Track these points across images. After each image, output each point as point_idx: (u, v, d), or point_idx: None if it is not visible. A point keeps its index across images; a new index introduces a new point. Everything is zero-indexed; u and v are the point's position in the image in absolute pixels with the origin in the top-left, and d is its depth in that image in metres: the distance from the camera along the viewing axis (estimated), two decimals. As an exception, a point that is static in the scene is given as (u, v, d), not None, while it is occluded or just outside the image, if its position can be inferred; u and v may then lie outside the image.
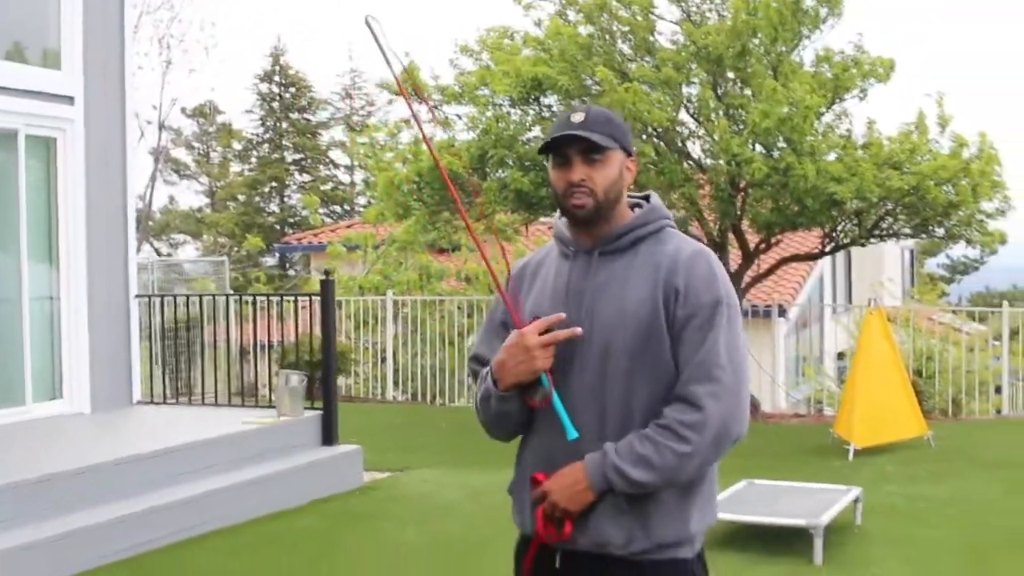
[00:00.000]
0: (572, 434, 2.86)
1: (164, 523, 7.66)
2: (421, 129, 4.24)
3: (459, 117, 14.33)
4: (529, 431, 3.03)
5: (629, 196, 3.05)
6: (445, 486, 9.66)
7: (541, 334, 2.88)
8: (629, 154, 2.99)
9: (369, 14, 2.88)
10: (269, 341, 12.70)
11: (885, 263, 27.83)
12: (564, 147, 2.92)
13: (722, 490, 8.22)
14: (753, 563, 7.13)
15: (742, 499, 8.08)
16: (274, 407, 10.00)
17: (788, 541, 7.40)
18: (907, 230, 13.69)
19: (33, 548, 6.74)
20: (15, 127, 9.68)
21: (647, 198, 3.06)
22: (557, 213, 3.08)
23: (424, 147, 14.38)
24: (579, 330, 2.87)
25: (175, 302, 11.62)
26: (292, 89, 47.18)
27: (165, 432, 9.15)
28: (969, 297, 51.94)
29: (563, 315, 2.90)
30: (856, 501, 8.15)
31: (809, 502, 7.85)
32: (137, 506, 7.61)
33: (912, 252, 35.47)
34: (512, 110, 13.89)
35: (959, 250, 47.19)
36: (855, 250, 26.71)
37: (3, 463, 7.74)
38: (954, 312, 23.16)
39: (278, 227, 45.03)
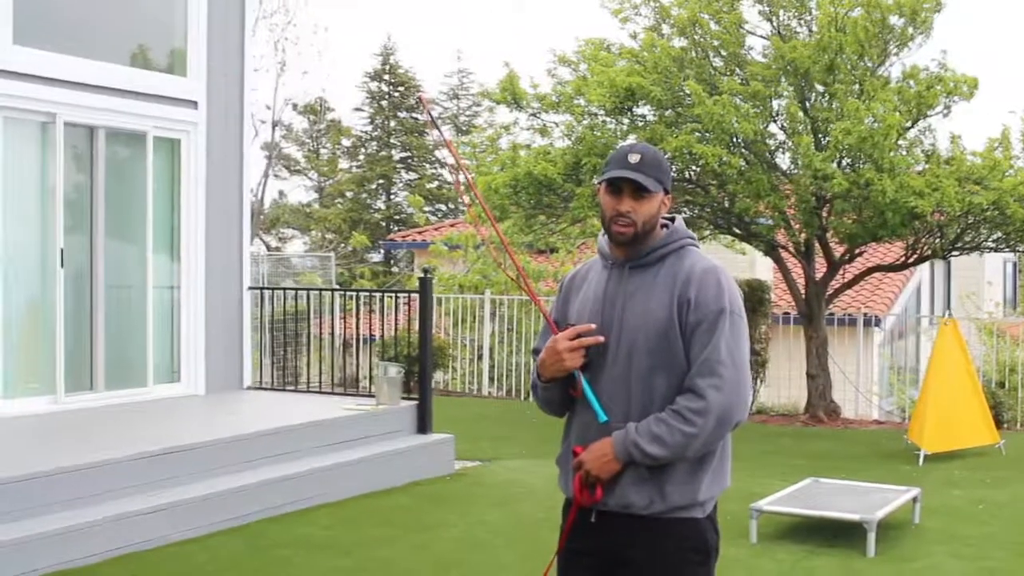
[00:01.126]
0: (602, 417, 3.54)
1: (274, 495, 8.44)
2: (480, 200, 4.87)
3: (556, 125, 15.00)
4: (572, 413, 3.70)
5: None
6: (530, 474, 10.33)
7: (572, 339, 3.55)
8: (667, 192, 3.63)
9: (424, 93, 3.63)
10: (371, 335, 13.45)
11: (985, 275, 27.76)
12: (619, 182, 3.57)
13: (788, 487, 8.80)
14: (810, 554, 7.66)
15: (806, 495, 8.62)
16: (373, 396, 10.75)
17: (845, 535, 7.92)
18: (989, 244, 14.05)
19: (157, 512, 7.55)
20: (145, 129, 10.55)
21: (673, 219, 3.69)
22: (602, 231, 3.73)
23: (521, 152, 15.07)
24: (602, 339, 3.54)
25: (284, 295, 12.39)
26: (401, 88, 48.15)
27: (273, 414, 9.93)
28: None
29: (593, 325, 3.57)
30: (915, 500, 8.64)
31: (868, 500, 8.37)
32: (249, 479, 8.40)
33: (1015, 265, 35.17)
34: (606, 119, 14.51)
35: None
36: (957, 264, 26.88)
37: (129, 437, 8.58)
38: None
39: (384, 224, 46.03)
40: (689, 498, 3.52)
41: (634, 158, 3.55)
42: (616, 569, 3.59)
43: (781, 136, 14.27)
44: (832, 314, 16.57)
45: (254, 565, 7.19)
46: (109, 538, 7.15)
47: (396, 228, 43.73)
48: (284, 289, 13.07)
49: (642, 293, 3.57)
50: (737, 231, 14.97)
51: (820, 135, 13.67)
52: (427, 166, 49.29)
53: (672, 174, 3.67)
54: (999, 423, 13.32)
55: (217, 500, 8.04)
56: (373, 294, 13.00)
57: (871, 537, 7.61)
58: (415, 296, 10.98)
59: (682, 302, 3.50)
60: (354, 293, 13.17)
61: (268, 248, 42.21)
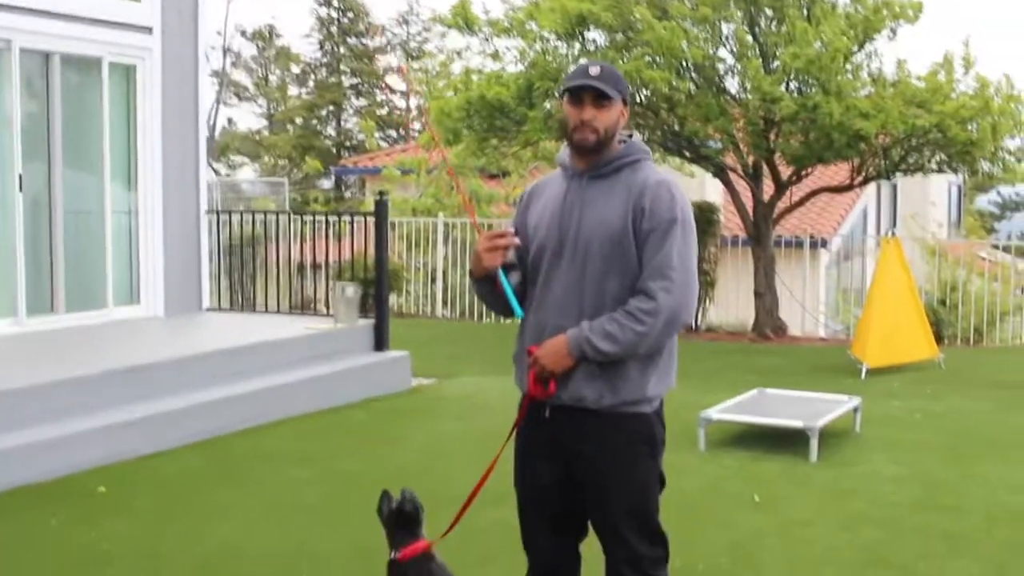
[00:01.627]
0: (518, 313, 3.85)
1: (237, 411, 8.69)
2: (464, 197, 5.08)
3: (508, 50, 15.15)
4: (526, 313, 3.95)
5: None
6: (485, 390, 10.63)
7: (490, 241, 3.85)
8: (626, 103, 3.87)
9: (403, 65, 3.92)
10: (326, 260, 13.58)
11: (930, 197, 28.20)
12: (581, 92, 3.80)
13: (735, 396, 9.15)
14: (755, 459, 8.01)
15: (752, 405, 8.97)
16: (331, 317, 10.97)
17: (790, 442, 8.27)
18: (932, 165, 14.41)
19: (127, 426, 7.78)
20: (100, 55, 10.61)
21: (631, 135, 3.93)
22: (563, 144, 3.97)
23: (474, 77, 15.21)
24: (517, 240, 3.86)
25: (241, 219, 12.53)
26: (350, 14, 47.83)
27: (234, 334, 10.12)
28: (1020, 235, 52.05)
29: (512, 230, 3.88)
30: (856, 410, 9.01)
31: (811, 408, 8.72)
32: (214, 395, 8.63)
33: (960, 188, 35.68)
34: (558, 44, 14.66)
35: (1009, 188, 47.55)
36: (902, 186, 27.31)
37: (95, 356, 8.77)
38: (1000, 247, 23.69)
39: (334, 150, 45.95)
40: (638, 394, 3.78)
41: (594, 70, 3.79)
42: (570, 460, 3.87)
43: (730, 60, 14.49)
44: (780, 236, 16.91)
45: (218, 475, 7.44)
46: (80, 451, 7.38)
47: (347, 154, 43.68)
48: (241, 212, 13.17)
49: (599, 202, 3.81)
50: (687, 154, 15.22)
51: (769, 59, 13.91)
52: (377, 92, 49.13)
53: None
54: (939, 339, 13.77)
55: (184, 415, 8.26)
56: (330, 217, 13.12)
57: (813, 443, 7.97)
58: (371, 219, 11.17)
59: (636, 211, 3.74)
60: (311, 216, 13.34)
61: (217, 175, 42.02)
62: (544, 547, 4.02)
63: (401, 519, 4.23)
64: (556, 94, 13.97)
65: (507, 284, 3.87)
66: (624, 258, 3.75)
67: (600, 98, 3.78)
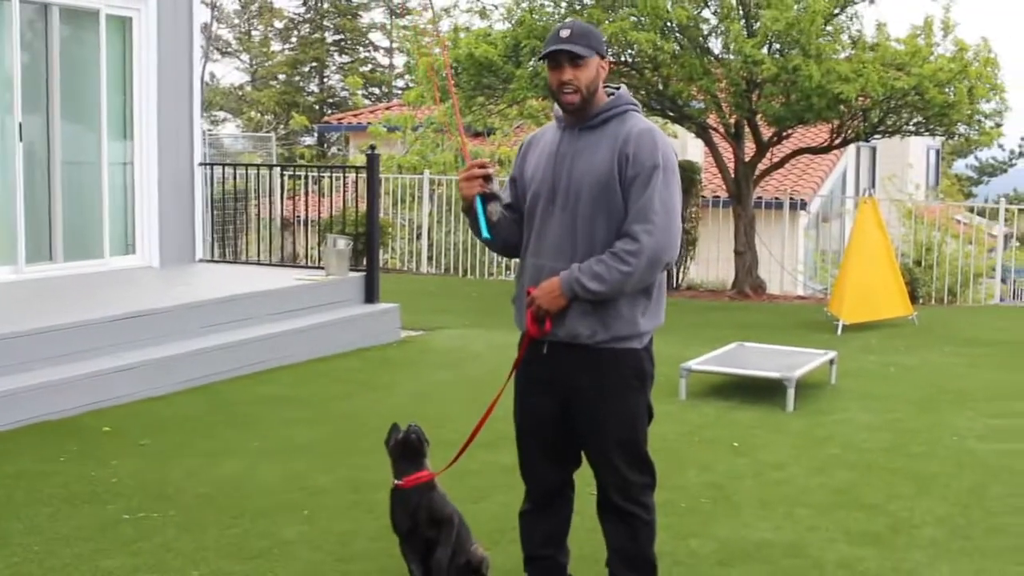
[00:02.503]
0: (485, 235, 4.15)
1: (232, 358, 8.95)
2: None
3: (495, 8, 15.34)
4: (524, 255, 4.23)
5: (606, 87, 4.19)
6: (473, 341, 10.91)
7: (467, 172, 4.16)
8: (603, 57, 4.13)
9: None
10: (318, 214, 13.84)
11: (908, 159, 28.49)
12: (557, 56, 4.06)
13: (715, 350, 9.46)
14: (733, 408, 8.33)
15: (731, 357, 9.29)
16: (321, 269, 11.22)
17: (767, 392, 8.59)
18: (910, 128, 14.70)
19: (124, 371, 8.03)
20: (97, 6, 10.78)
21: (619, 88, 4.20)
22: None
23: (461, 35, 15.40)
24: (490, 170, 4.16)
25: (234, 172, 12.74)
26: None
27: (228, 284, 10.34)
28: (995, 199, 52.42)
29: (488, 160, 4.18)
30: (832, 363, 9.33)
31: (789, 361, 9.04)
32: (209, 343, 8.88)
33: (938, 152, 35.99)
34: (546, 2, 14.86)
35: (987, 152, 47.88)
36: (882, 150, 27.61)
37: (91, 304, 9.00)
38: (973, 211, 24.04)
39: (317, 107, 45.95)
40: (629, 330, 4.08)
41: (565, 33, 4.06)
42: (565, 394, 4.17)
43: (714, 21, 14.72)
44: (760, 197, 17.22)
45: (218, 418, 7.70)
46: (84, 393, 7.63)
47: (329, 111, 43.67)
48: (235, 165, 13.38)
49: (588, 151, 4.10)
50: (670, 113, 15.46)
51: (751, 21, 14.15)
52: (360, 49, 49.08)
53: (608, 53, 4.19)
54: (914, 298, 14.11)
55: (180, 361, 8.52)
56: (321, 171, 13.34)
57: (790, 393, 8.28)
58: (361, 174, 11.38)
59: (622, 158, 4.03)
60: (303, 170, 13.56)
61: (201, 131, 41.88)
62: (541, 475, 4.33)
63: (406, 449, 4.51)
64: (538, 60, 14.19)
65: (481, 210, 4.16)
66: (611, 204, 4.03)
67: (575, 59, 4.04)
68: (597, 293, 3.99)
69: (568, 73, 4.05)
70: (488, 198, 4.18)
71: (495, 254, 17.92)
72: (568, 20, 3.67)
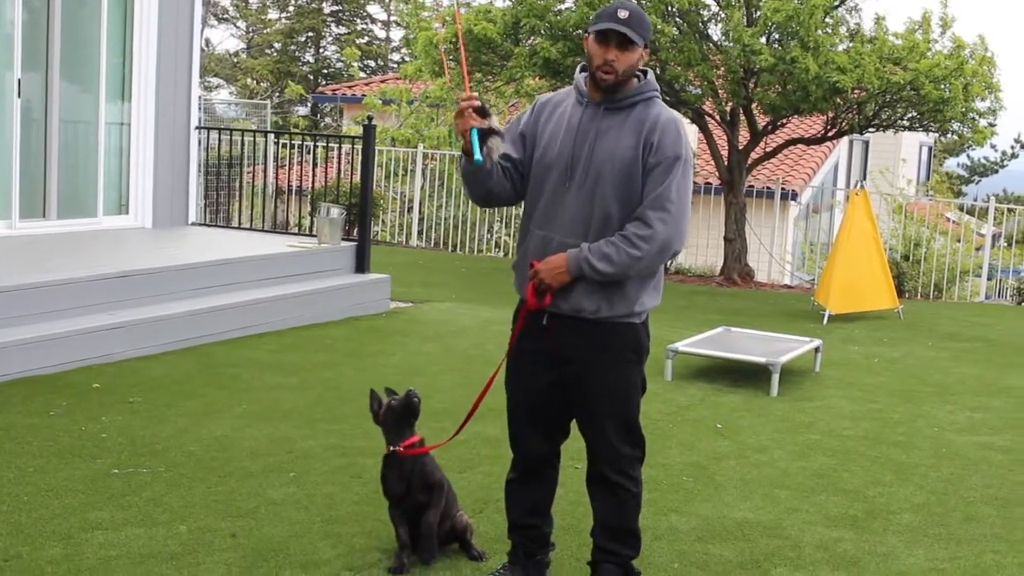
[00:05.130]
0: (477, 157, 4.04)
1: (221, 321, 9.00)
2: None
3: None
4: (530, 225, 4.26)
5: None
6: (461, 315, 10.98)
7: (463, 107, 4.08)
8: (646, 47, 4.16)
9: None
10: (311, 184, 13.83)
11: (901, 154, 28.58)
12: (608, 33, 4.07)
13: (702, 333, 9.55)
14: (719, 391, 8.41)
15: (718, 340, 9.37)
16: (313, 237, 11.26)
17: (752, 376, 8.69)
18: (904, 122, 14.78)
19: (114, 329, 8.07)
20: (99, -33, 10.78)
21: (646, 73, 4.22)
22: (578, 69, 4.26)
23: (463, 10, 15.41)
24: (477, 101, 4.05)
25: (230, 137, 12.75)
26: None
27: (220, 248, 10.38)
28: (985, 198, 52.51)
29: (475, 95, 4.09)
30: (817, 351, 9.42)
31: (774, 346, 9.14)
32: (199, 305, 8.92)
33: (931, 149, 36.13)
34: (547, -19, 14.86)
35: (980, 152, 48.00)
36: (875, 144, 27.70)
37: (83, 262, 9.03)
38: (963, 210, 24.14)
39: (312, 77, 45.84)
40: (630, 308, 4.16)
41: (623, 14, 4.05)
42: (561, 366, 4.23)
43: (715, 7, 14.75)
44: (752, 186, 17.28)
45: (206, 379, 7.74)
46: (73, 349, 7.68)
47: (324, 82, 43.57)
48: (231, 130, 13.38)
49: (613, 132, 4.13)
50: (667, 98, 15.48)
51: (752, 10, 14.20)
52: (357, 21, 48.95)
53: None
54: (900, 292, 14.23)
55: (169, 322, 8.56)
56: (317, 139, 13.36)
57: (775, 378, 8.37)
58: (357, 144, 11.41)
59: (647, 144, 4.08)
60: (299, 138, 13.57)
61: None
62: (529, 445, 4.40)
63: (408, 412, 4.59)
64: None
65: (476, 137, 4.05)
66: (631, 187, 4.08)
67: (626, 42, 4.06)
68: (604, 274, 4.05)
69: (613, 53, 4.07)
70: (487, 133, 4.09)
71: (483, 231, 17.98)
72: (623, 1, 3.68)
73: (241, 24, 48.96)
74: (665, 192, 4.04)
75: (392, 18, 47.11)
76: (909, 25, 14.41)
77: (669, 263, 16.46)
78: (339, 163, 12.55)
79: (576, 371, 4.20)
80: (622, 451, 4.24)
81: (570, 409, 4.30)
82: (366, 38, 48.37)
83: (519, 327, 4.29)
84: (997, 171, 54.45)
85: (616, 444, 4.23)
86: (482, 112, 4.08)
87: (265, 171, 12.98)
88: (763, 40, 13.76)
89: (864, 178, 28.37)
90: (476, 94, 4.13)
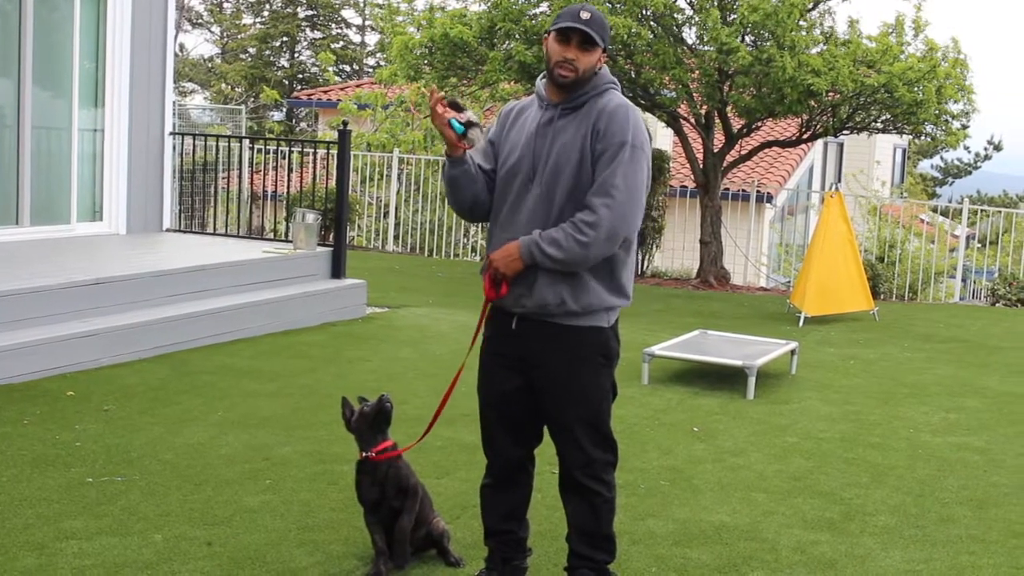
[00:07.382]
0: (460, 129, 4.11)
1: (196, 328, 8.95)
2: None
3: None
4: (495, 228, 4.28)
5: None
6: (438, 320, 10.96)
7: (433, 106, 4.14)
8: (605, 51, 4.20)
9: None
10: (286, 190, 13.80)
11: (875, 156, 28.71)
12: (569, 32, 4.11)
13: (678, 336, 9.56)
14: (695, 394, 8.42)
15: (694, 344, 9.38)
16: (288, 242, 11.22)
17: (728, 380, 8.70)
18: (877, 125, 14.84)
19: (88, 337, 8.02)
20: (71, -27, 10.73)
21: (600, 68, 4.24)
22: (540, 76, 4.30)
23: (436, 15, 15.40)
24: (440, 93, 4.15)
25: (204, 143, 12.70)
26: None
27: (194, 254, 10.34)
28: (959, 200, 52.76)
29: (442, 93, 4.20)
30: (793, 353, 9.44)
31: (750, 349, 9.15)
32: (173, 312, 8.88)
33: (904, 151, 36.31)
34: (522, -15, 14.86)
35: (953, 154, 48.24)
36: (849, 147, 27.82)
37: (57, 269, 8.97)
38: (936, 211, 24.26)
39: (287, 82, 45.73)
40: (595, 303, 4.15)
41: (585, 15, 4.11)
42: (530, 371, 4.24)
43: (689, 11, 14.78)
44: (727, 189, 17.32)
45: (181, 387, 7.70)
46: (47, 357, 7.63)
47: (299, 87, 43.48)
48: (206, 136, 13.32)
49: (570, 129, 4.16)
50: (642, 101, 15.51)
51: (727, 11, 14.22)
52: (332, 26, 48.86)
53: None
54: (875, 294, 14.28)
55: (144, 329, 8.52)
56: (293, 145, 13.32)
57: (751, 381, 8.38)
58: (332, 149, 11.38)
59: (593, 132, 4.11)
60: (274, 143, 13.53)
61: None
62: (503, 450, 4.40)
63: (380, 417, 4.58)
64: (520, 34, 14.22)
65: (455, 123, 4.11)
66: (584, 178, 4.10)
67: (586, 42, 4.11)
68: (555, 259, 4.05)
69: (573, 52, 4.11)
70: (467, 125, 4.14)
71: (459, 236, 17.96)
72: (584, 3, 3.76)
73: (215, 29, 48.83)
74: (610, 178, 4.05)
75: (367, 23, 47.07)
76: (883, 28, 14.48)
77: (646, 266, 16.54)
78: (314, 168, 12.50)
79: (545, 376, 4.20)
80: (593, 456, 4.24)
81: (540, 414, 4.29)
82: (341, 43, 48.30)
83: (481, 321, 4.36)
84: (971, 172, 54.75)
85: (587, 449, 4.22)
86: (455, 106, 4.15)
87: (240, 177, 12.89)
88: (739, 40, 13.77)
89: (839, 180, 28.64)
90: (442, 92, 4.16)
